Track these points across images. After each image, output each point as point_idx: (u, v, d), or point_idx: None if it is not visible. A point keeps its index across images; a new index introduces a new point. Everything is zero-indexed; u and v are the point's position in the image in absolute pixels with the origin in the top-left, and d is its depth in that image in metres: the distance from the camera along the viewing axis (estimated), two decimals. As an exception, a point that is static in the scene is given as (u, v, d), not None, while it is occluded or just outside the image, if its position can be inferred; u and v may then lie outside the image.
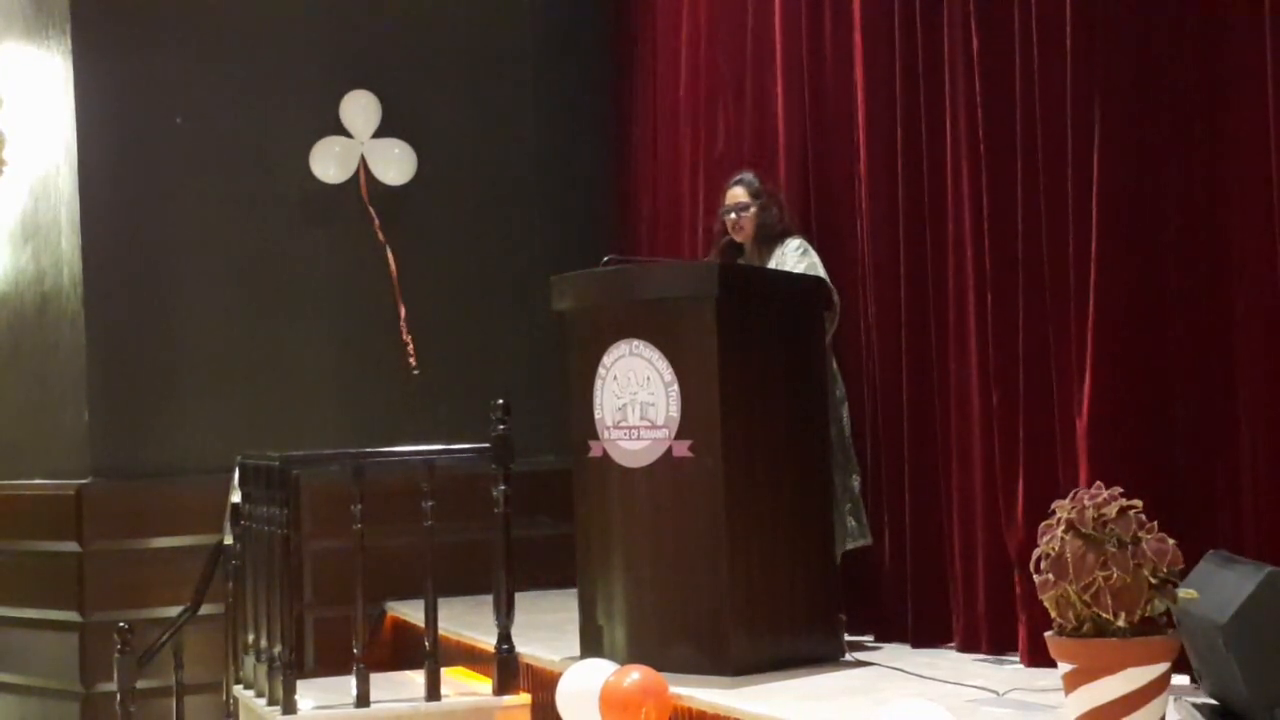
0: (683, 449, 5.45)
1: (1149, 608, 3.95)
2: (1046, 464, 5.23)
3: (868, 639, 6.01)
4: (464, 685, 6.25)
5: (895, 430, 6.01)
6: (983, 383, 5.55)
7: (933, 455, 5.83)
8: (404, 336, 8.12)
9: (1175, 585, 3.98)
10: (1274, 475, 4.53)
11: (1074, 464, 5.05)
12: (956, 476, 5.69)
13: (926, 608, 5.86)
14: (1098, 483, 4.13)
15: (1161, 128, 4.90)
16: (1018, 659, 5.36)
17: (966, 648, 5.63)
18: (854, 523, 5.98)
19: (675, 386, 5.47)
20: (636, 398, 5.56)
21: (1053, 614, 4.06)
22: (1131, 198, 4.96)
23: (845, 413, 6.08)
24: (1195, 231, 4.83)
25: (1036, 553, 4.09)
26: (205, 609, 6.77)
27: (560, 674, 5.55)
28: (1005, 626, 5.45)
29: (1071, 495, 4.11)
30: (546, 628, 6.49)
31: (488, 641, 6.08)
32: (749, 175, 6.28)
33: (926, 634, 5.84)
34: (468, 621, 6.71)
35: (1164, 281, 4.92)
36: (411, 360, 8.10)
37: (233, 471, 6.51)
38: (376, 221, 8.15)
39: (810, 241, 6.17)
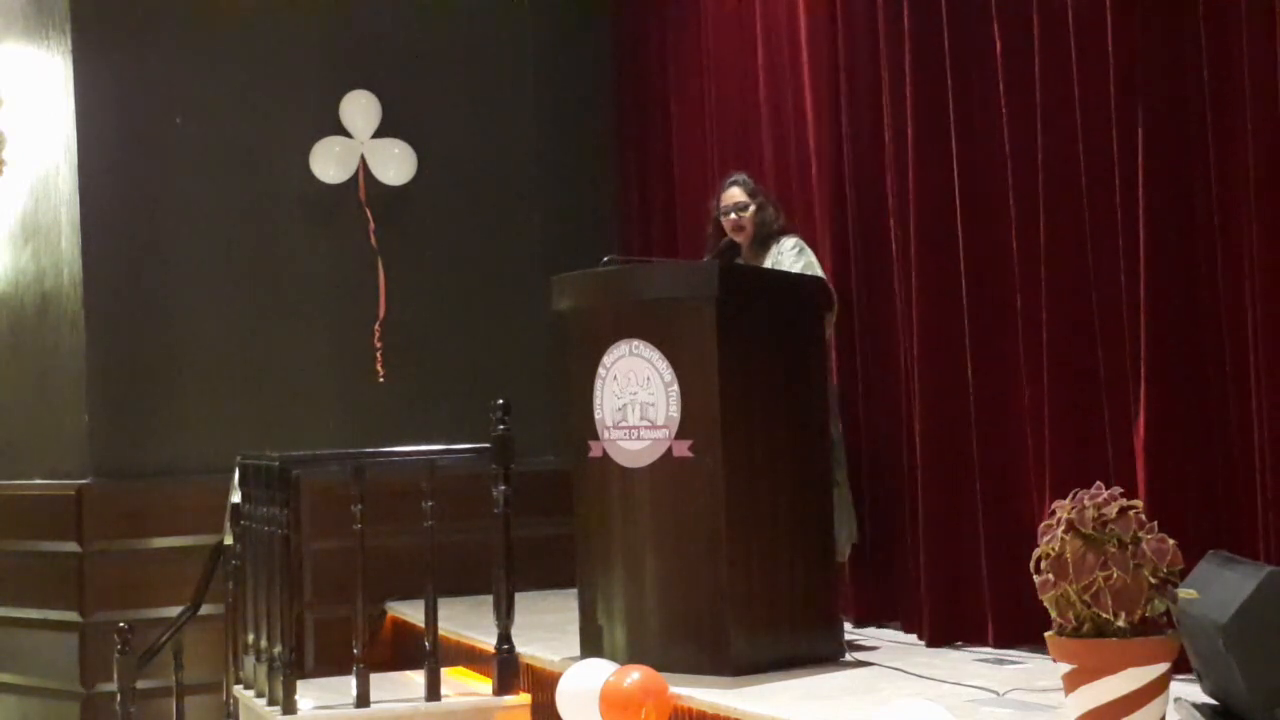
0: (683, 449, 5.44)
1: (1149, 608, 3.95)
2: (1070, 464, 5.24)
3: (868, 639, 6.01)
4: (464, 685, 6.25)
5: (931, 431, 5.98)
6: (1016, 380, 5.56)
7: (958, 453, 5.81)
8: (375, 343, 8.13)
9: (1175, 585, 3.99)
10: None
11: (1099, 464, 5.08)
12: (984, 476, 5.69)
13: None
14: (1097, 483, 4.14)
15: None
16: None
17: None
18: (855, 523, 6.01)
19: (675, 386, 5.47)
20: (636, 398, 5.56)
21: (1053, 614, 4.06)
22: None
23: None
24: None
25: (1036, 553, 4.09)
26: (205, 609, 6.77)
27: (560, 674, 5.54)
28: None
29: (1071, 495, 4.10)
30: (546, 628, 6.49)
31: (488, 641, 6.08)
32: (743, 176, 6.28)
33: (943, 632, 5.82)
34: (468, 621, 6.71)
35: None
36: (379, 369, 8.12)
37: (233, 471, 6.51)
38: (372, 225, 8.15)
39: (810, 243, 6.17)
